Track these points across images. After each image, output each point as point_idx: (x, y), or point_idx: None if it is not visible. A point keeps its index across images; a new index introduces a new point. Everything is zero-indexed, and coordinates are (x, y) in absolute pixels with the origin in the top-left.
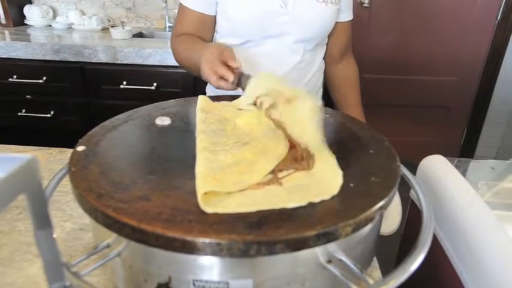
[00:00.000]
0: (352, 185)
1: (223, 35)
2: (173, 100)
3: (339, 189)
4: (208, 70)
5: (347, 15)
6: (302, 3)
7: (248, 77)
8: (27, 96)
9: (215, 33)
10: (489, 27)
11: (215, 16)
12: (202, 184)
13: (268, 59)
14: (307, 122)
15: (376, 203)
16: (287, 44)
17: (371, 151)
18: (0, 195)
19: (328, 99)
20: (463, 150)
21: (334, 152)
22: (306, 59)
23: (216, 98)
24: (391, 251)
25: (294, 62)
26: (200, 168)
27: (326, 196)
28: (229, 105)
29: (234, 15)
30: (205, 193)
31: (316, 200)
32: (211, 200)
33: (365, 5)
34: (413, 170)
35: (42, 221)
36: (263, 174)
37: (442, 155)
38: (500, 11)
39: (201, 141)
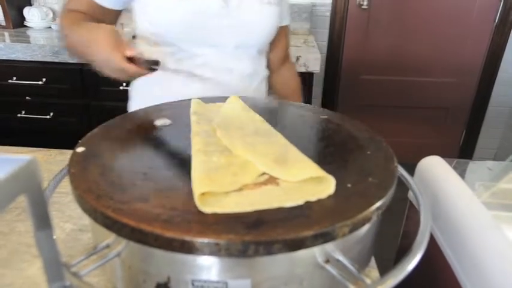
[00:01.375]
0: (349, 185)
1: (149, 42)
2: (172, 102)
3: (334, 188)
4: (110, 70)
5: (287, 20)
6: (245, 3)
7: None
8: (27, 97)
9: (137, 39)
10: (487, 30)
11: (118, 11)
12: (198, 185)
13: (208, 70)
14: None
15: (373, 204)
16: (228, 51)
17: (368, 152)
18: (0, 195)
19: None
20: (462, 152)
21: (331, 153)
22: (250, 67)
23: (209, 100)
24: (390, 251)
25: (238, 71)
26: (195, 170)
27: (322, 195)
28: (221, 107)
29: (161, 18)
30: (203, 194)
31: (313, 198)
32: (209, 200)
33: (363, 6)
34: (413, 171)
35: (42, 222)
36: (256, 174)
37: (442, 156)
38: (498, 13)
39: (196, 144)
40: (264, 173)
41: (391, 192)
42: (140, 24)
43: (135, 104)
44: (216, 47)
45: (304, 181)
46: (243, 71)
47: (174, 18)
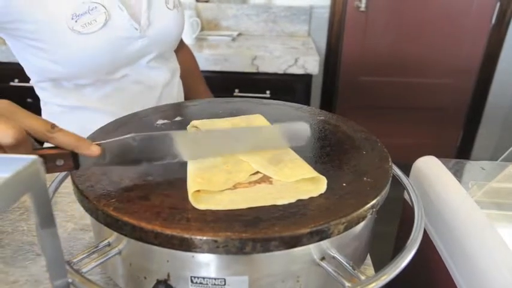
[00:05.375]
0: (345, 184)
1: (52, 79)
2: (171, 103)
3: (325, 187)
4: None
5: None
6: (155, 16)
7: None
8: (28, 99)
9: (37, 86)
10: (484, 31)
11: None
12: (191, 184)
13: (130, 91)
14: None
15: (367, 202)
16: (142, 66)
17: (364, 152)
18: (6, 194)
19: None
20: (459, 152)
21: (328, 153)
22: (168, 70)
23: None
24: (387, 250)
25: (160, 80)
26: (190, 169)
27: (314, 194)
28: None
29: (76, 57)
30: (198, 191)
31: (305, 197)
32: (203, 198)
33: (361, 9)
34: (410, 171)
35: (46, 220)
36: (250, 173)
37: (439, 156)
38: (495, 15)
39: None
40: (258, 172)
41: (385, 191)
42: (40, 67)
43: None
44: (131, 67)
45: (297, 180)
46: (164, 77)
47: (97, 54)
